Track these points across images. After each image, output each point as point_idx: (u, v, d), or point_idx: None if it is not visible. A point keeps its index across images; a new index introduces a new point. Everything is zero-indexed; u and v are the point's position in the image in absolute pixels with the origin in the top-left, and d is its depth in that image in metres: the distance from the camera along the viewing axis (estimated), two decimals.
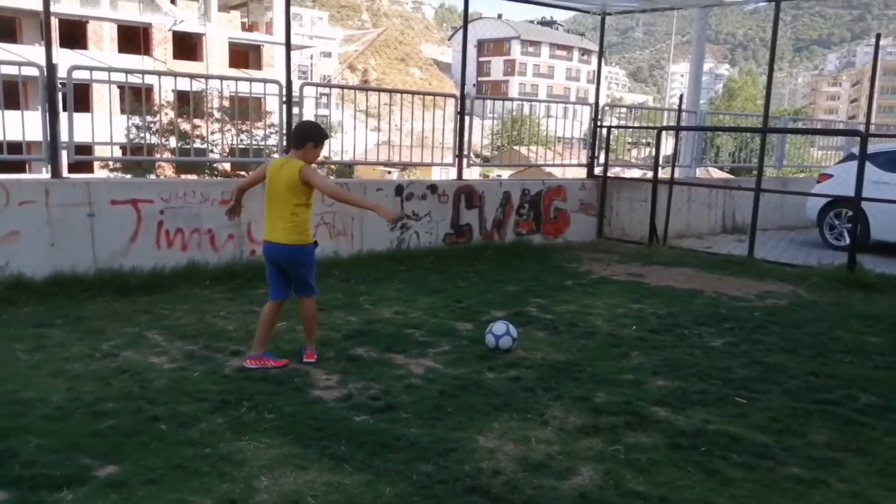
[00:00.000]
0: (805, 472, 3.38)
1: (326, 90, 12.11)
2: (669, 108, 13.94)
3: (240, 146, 9.42)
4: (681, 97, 11.76)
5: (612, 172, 10.74)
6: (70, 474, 3.06)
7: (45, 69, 6.38)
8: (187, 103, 9.82)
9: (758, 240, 9.28)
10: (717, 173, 17.52)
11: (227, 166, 17.62)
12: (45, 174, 6.83)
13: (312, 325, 4.67)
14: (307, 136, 4.47)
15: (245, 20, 42.58)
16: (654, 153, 10.43)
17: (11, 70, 6.66)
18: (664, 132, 10.62)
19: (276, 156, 8.49)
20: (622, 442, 3.63)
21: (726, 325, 5.98)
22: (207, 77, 9.79)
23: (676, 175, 10.51)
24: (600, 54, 11.23)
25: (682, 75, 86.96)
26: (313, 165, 4.54)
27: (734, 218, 11.75)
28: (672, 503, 3.05)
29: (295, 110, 7.86)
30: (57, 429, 3.51)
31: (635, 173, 12.94)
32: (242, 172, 16.63)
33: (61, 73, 6.53)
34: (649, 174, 10.87)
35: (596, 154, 10.60)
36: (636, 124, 12.98)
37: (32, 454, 3.24)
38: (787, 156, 13.73)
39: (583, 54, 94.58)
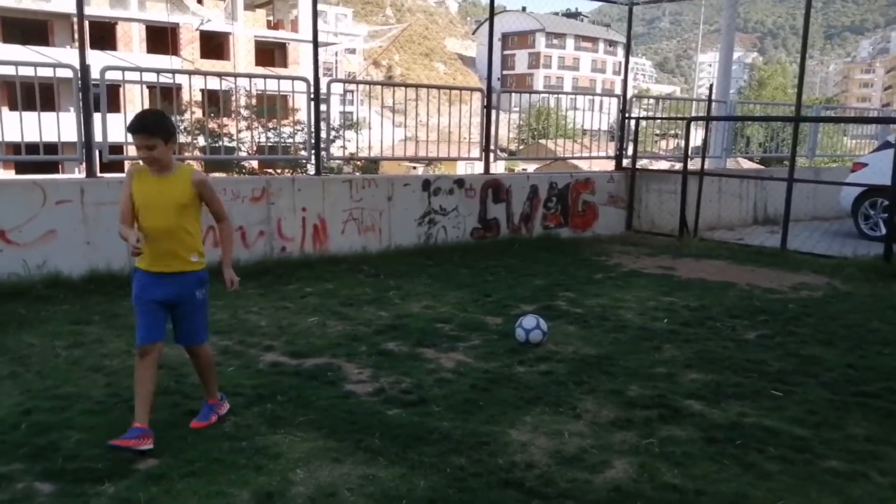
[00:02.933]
0: (844, 465, 3.33)
1: (352, 86, 12.16)
2: (698, 99, 13.76)
3: (268, 144, 9.51)
4: (711, 87, 11.61)
5: (640, 164, 10.64)
6: (111, 467, 3.12)
7: (79, 71, 6.50)
8: (215, 102, 9.93)
9: (791, 231, 9.13)
10: (746, 164, 17.26)
11: (255, 164, 17.81)
12: (79, 174, 6.96)
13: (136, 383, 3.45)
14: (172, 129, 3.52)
15: (270, 18, 42.90)
16: (682, 144, 10.30)
17: (46, 72, 6.78)
18: (693, 123, 10.49)
19: (302, 153, 8.54)
20: (656, 435, 3.61)
21: (760, 318, 5.90)
22: (236, 75, 9.90)
23: (706, 166, 10.38)
24: (628, 45, 11.11)
25: (710, 65, 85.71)
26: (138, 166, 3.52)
27: (766, 209, 11.57)
28: (709, 497, 3.03)
29: (322, 107, 7.90)
30: (97, 423, 3.58)
31: (663, 165, 12.81)
32: (270, 170, 16.79)
33: (94, 74, 6.65)
34: (678, 165, 10.75)
35: (624, 146, 10.51)
36: (664, 115, 12.83)
37: (74, 448, 3.32)
38: (819, 145, 13.48)
39: (608, 45, 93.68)
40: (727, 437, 3.60)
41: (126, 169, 3.31)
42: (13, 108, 8.04)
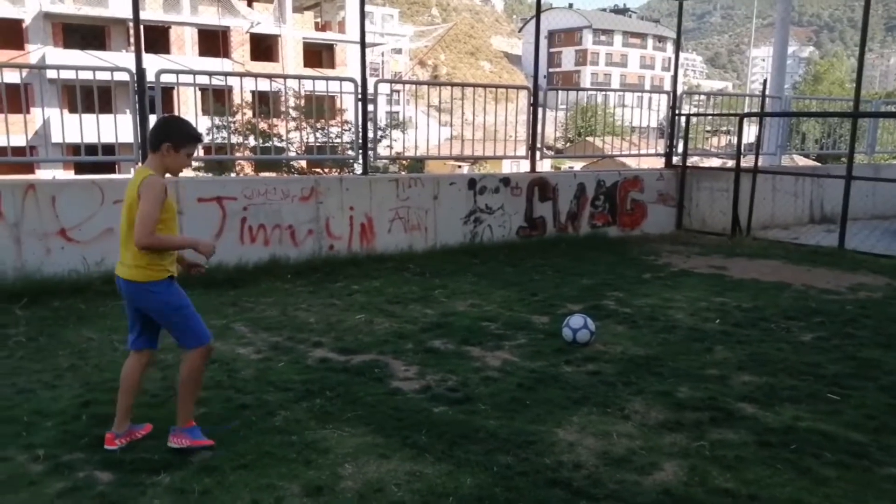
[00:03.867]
0: None
1: (398, 86, 12.24)
2: (751, 94, 13.43)
3: (316, 144, 9.63)
4: (764, 82, 11.32)
5: (690, 161, 10.44)
6: (166, 459, 3.21)
7: (135, 74, 6.70)
8: (266, 103, 10.11)
9: (848, 230, 8.84)
10: (801, 161, 16.77)
11: (304, 163, 18.07)
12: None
13: (191, 387, 3.39)
14: (162, 134, 3.29)
15: (318, 20, 43.44)
16: (734, 141, 10.07)
17: (104, 76, 7.01)
18: (746, 119, 10.24)
19: (350, 153, 8.63)
20: (707, 438, 3.54)
21: (816, 319, 5.73)
22: (285, 77, 10.06)
23: (760, 163, 10.12)
24: (678, 40, 10.92)
25: (763, 60, 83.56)
26: (168, 177, 3.36)
27: (822, 207, 11.22)
28: (762, 501, 2.96)
29: (369, 107, 7.97)
30: (153, 415, 3.68)
31: (715, 162, 12.54)
32: (318, 170, 17.03)
33: (149, 77, 6.84)
34: (729, 163, 10.52)
35: (674, 143, 10.33)
36: (715, 111, 12.57)
37: None
38: (879, 141, 13.01)
39: (657, 41, 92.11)
40: (781, 441, 3.51)
41: (161, 182, 3.22)
42: (73, 110, 8.33)
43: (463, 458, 3.27)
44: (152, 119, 6.91)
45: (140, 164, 6.94)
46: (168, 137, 3.27)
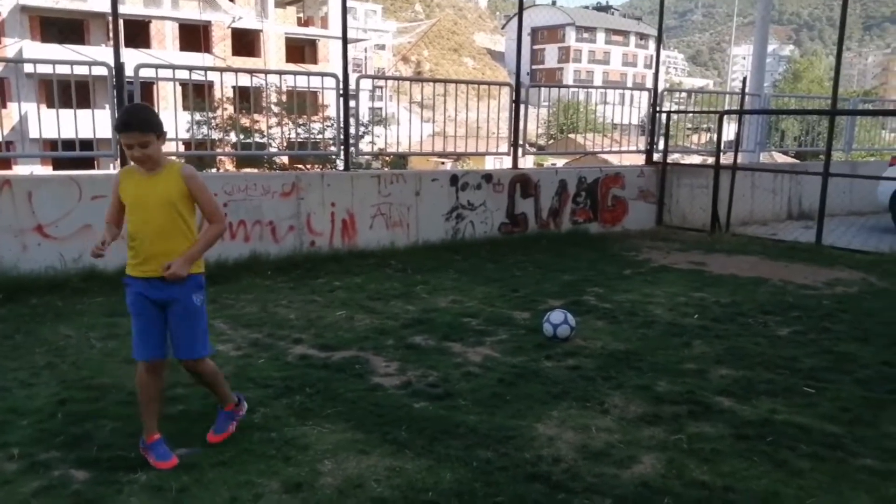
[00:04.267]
0: (878, 463, 3.27)
1: (381, 82, 12.20)
2: (731, 92, 13.55)
3: (298, 140, 9.57)
4: (744, 80, 11.43)
5: (671, 158, 10.51)
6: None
7: (113, 68, 6.62)
8: (247, 99, 10.04)
9: (826, 226, 8.95)
10: (781, 158, 16.95)
11: (286, 159, 17.98)
12: (114, 170, 7.10)
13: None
14: (159, 122, 3.14)
15: (301, 15, 43.22)
16: (715, 138, 10.15)
17: (82, 70, 6.92)
18: (726, 116, 10.33)
19: (332, 149, 8.58)
20: (685, 431, 3.57)
21: (793, 314, 5.80)
22: (266, 72, 9.99)
23: (739, 160, 10.21)
24: (659, 37, 10.97)
25: (744, 58, 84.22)
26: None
27: (801, 204, 11.36)
28: (738, 494, 2.99)
29: (351, 103, 7.95)
30: (131, 413, 3.64)
31: (696, 159, 12.63)
32: (300, 165, 16.94)
33: (128, 71, 6.77)
34: (710, 160, 10.60)
35: (655, 140, 10.40)
36: (696, 109, 12.66)
37: (108, 437, 3.39)
38: (856, 139, 13.18)
39: (640, 39, 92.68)
40: (758, 433, 3.55)
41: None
42: (51, 105, 8.22)
43: (443, 454, 3.27)
44: None
45: (118, 161, 6.87)
46: (161, 125, 3.11)
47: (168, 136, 3.30)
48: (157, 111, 3.19)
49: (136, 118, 3.06)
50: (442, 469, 3.14)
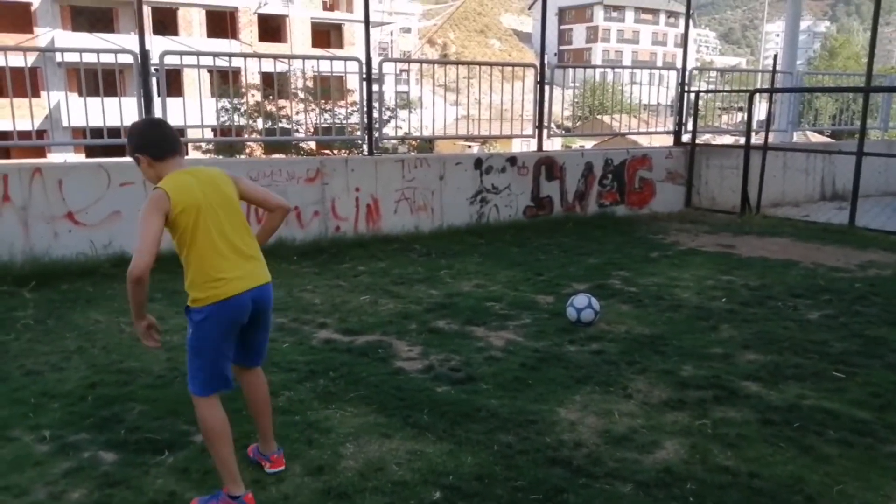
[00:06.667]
0: None
1: (405, 66, 12.16)
2: (762, 70, 13.24)
3: (323, 125, 9.59)
4: (775, 57, 11.15)
5: (701, 139, 10.33)
6: (170, 439, 3.25)
7: (138, 56, 6.68)
8: (272, 85, 10.08)
9: (860, 207, 8.73)
10: (815, 137, 16.56)
11: (313, 145, 18.06)
12: None
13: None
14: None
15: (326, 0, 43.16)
16: (746, 118, 9.95)
17: (109, 58, 7.00)
18: (757, 96, 10.10)
19: (358, 133, 8.56)
20: (709, 416, 3.53)
21: (824, 297, 5.68)
22: (290, 57, 10.01)
23: (771, 140, 10.00)
24: (688, 13, 10.76)
25: (778, 35, 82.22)
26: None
27: (834, 184, 11.09)
28: (763, 479, 2.95)
29: (375, 87, 7.93)
30: (158, 396, 3.72)
31: (727, 140, 12.41)
32: (327, 151, 17.00)
33: (154, 59, 6.83)
34: (741, 140, 10.40)
35: (684, 120, 10.22)
36: (727, 88, 12.41)
37: (136, 420, 3.46)
38: (893, 117, 12.82)
39: (669, 17, 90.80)
40: (784, 419, 3.50)
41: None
42: (82, 94, 8.34)
43: (464, 438, 3.28)
44: (157, 101, 6.92)
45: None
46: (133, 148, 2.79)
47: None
48: (135, 128, 2.85)
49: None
50: (463, 453, 3.15)
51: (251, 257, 2.80)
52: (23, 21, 30.77)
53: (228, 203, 2.77)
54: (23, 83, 6.58)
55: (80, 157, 20.77)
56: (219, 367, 2.73)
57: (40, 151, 20.41)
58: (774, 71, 10.79)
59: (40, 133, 16.47)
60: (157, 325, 2.79)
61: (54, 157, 20.02)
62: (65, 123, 17.43)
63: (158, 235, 2.70)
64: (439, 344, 4.56)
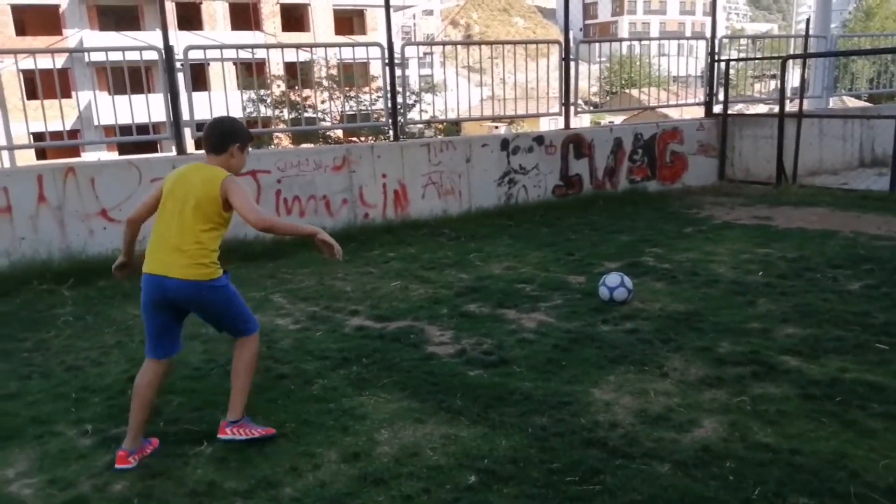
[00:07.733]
0: None
1: (429, 49, 12.08)
2: (795, 35, 12.87)
3: (348, 112, 9.58)
4: (807, 21, 10.81)
5: (734, 109, 10.09)
6: (208, 429, 3.29)
7: (163, 52, 6.73)
8: (296, 75, 10.10)
9: None
10: (853, 102, 16.07)
11: (340, 133, 18.10)
12: (173, 152, 7.27)
13: (249, 376, 3.23)
14: (229, 137, 3.16)
15: None
16: (779, 85, 9.69)
17: (135, 56, 7.07)
18: (790, 62, 9.82)
19: (384, 119, 8.56)
20: (748, 393, 3.46)
21: (865, 267, 5.53)
22: (312, 46, 10.01)
23: (806, 107, 9.72)
24: None
25: None
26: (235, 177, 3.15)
27: (873, 150, 10.76)
28: (804, 456, 2.89)
29: (398, 71, 7.89)
30: (196, 388, 3.78)
31: (760, 109, 12.11)
32: (353, 139, 17.02)
33: (178, 54, 6.87)
34: (775, 108, 10.14)
35: (714, 91, 9.99)
36: (759, 56, 12.07)
37: (175, 411, 3.52)
38: None
39: None
40: (826, 393, 3.41)
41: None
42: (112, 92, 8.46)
43: (498, 421, 3.27)
44: (183, 96, 6.98)
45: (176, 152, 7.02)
46: (236, 138, 3.16)
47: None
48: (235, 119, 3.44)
49: None
50: (497, 436, 3.14)
51: (175, 249, 3.06)
52: (52, 23, 31.25)
53: (186, 199, 3.07)
54: (53, 85, 6.68)
55: (114, 155, 21.14)
56: (148, 331, 3.17)
57: (75, 151, 20.82)
58: (808, 35, 10.47)
59: (73, 133, 16.76)
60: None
61: (88, 156, 20.41)
62: (95, 122, 17.74)
63: (148, 202, 3.32)
64: (471, 328, 4.55)
